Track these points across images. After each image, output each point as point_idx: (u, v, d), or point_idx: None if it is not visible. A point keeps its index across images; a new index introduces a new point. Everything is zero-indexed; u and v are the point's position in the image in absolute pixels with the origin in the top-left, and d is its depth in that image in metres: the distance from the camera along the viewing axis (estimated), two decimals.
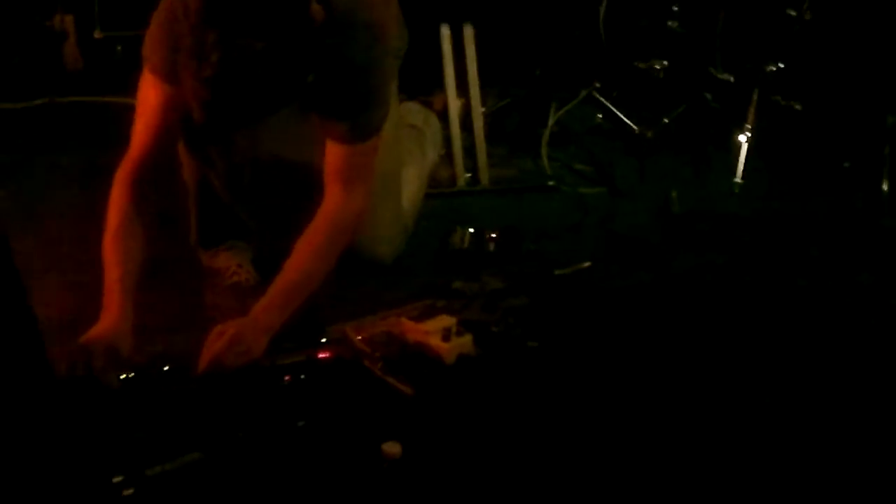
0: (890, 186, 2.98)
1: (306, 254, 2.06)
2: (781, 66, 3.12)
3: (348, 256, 2.16)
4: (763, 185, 3.10)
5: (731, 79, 3.36)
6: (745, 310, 2.43)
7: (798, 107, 3.10)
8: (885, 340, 2.30)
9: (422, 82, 3.12)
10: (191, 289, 2.39)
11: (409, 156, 2.68)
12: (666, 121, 3.35)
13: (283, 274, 2.04)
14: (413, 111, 2.89)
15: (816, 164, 3.16)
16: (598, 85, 3.44)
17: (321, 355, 1.99)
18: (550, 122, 3.35)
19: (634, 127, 3.36)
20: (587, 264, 2.54)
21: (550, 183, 3.13)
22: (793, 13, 3.06)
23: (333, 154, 2.11)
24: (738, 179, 3.08)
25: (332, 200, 2.10)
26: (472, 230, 2.65)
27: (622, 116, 3.39)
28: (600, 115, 3.48)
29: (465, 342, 2.03)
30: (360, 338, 2.05)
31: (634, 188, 3.11)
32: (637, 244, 2.73)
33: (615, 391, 2.05)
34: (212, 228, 2.41)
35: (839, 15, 3.03)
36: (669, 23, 3.49)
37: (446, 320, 2.08)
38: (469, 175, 3.13)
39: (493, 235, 2.63)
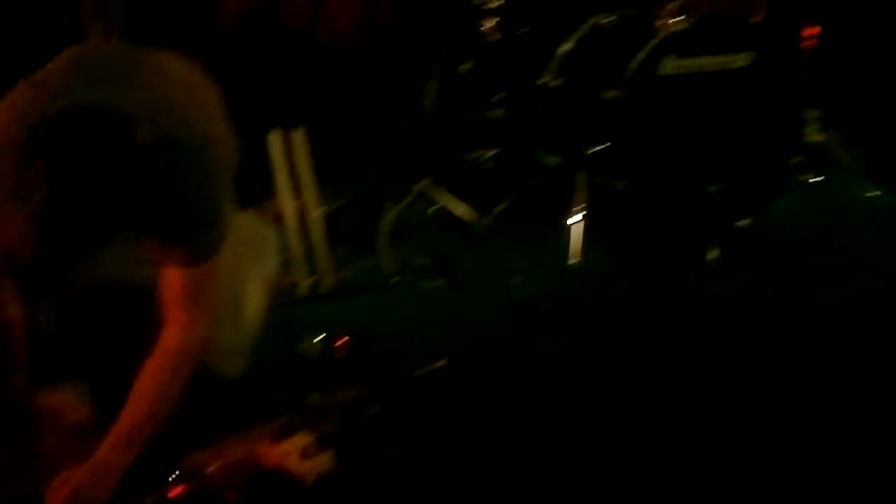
0: (715, 254, 3.12)
1: (149, 387, 1.97)
2: (604, 146, 3.22)
3: (193, 379, 2.07)
4: (599, 263, 3.18)
5: (558, 162, 3.46)
6: (602, 391, 2.47)
7: (622, 185, 3.20)
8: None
9: (255, 189, 3.07)
10: (27, 434, 2.25)
11: (249, 268, 2.62)
12: (500, 208, 3.41)
13: (126, 410, 1.94)
14: (248, 221, 2.83)
15: (646, 237, 3.27)
16: (431, 178, 3.48)
17: (173, 493, 1.90)
18: (388, 218, 3.36)
19: (470, 216, 3.40)
20: (442, 362, 2.53)
21: (393, 280, 3.12)
22: (610, 95, 3.17)
23: (172, 279, 2.03)
24: (574, 260, 3.15)
25: (174, 328, 2.02)
26: (319, 338, 2.60)
27: (457, 207, 3.43)
28: (436, 208, 3.51)
29: (325, 459, 1.98)
30: (213, 468, 1.97)
31: (476, 278, 3.13)
32: (486, 335, 2.74)
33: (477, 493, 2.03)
34: (44, 367, 2.28)
35: (652, 94, 3.16)
36: (492, 112, 3.57)
37: (303, 438, 2.02)
38: (311, 280, 3.09)
39: (343, 341, 2.59)
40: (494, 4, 3.40)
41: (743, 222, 3.33)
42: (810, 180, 3.56)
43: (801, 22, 3.68)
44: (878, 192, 3.61)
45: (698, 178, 3.23)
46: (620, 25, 3.44)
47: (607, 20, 3.45)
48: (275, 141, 3.12)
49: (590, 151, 3.21)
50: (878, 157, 3.94)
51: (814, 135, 3.71)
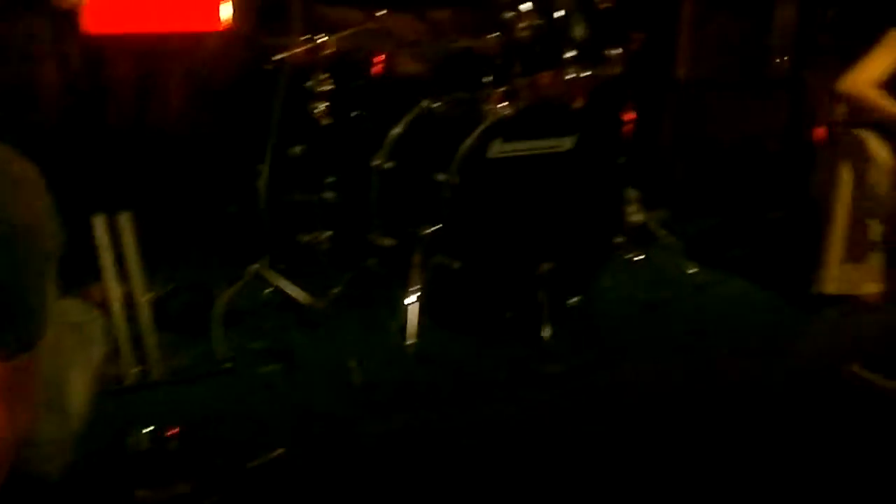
0: (549, 332, 3.19)
1: None
2: (438, 227, 3.25)
3: (9, 480, 1.94)
4: (436, 344, 3.19)
5: (393, 243, 3.47)
6: (437, 473, 2.46)
7: (457, 265, 3.23)
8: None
9: (79, 275, 2.95)
10: None
11: (72, 357, 2.49)
12: (336, 290, 3.38)
13: None
14: (72, 308, 2.70)
15: (482, 317, 3.31)
16: (264, 261, 3.43)
17: None
18: (220, 302, 3.28)
19: (305, 299, 3.37)
20: (280, 451, 2.46)
21: (227, 366, 3.03)
22: (441, 178, 3.22)
23: None
24: (411, 341, 3.15)
25: None
26: (149, 429, 2.49)
27: (292, 290, 3.39)
28: (270, 290, 3.45)
29: None
30: None
31: (313, 362, 3.09)
32: (324, 420, 2.69)
33: None
34: None
35: (483, 177, 3.23)
36: (326, 194, 3.56)
37: None
38: (139, 368, 2.96)
39: (174, 432, 2.49)
40: (325, 88, 3.42)
41: (573, 300, 3.42)
42: (634, 258, 3.70)
43: (620, 107, 3.86)
44: (696, 269, 3.78)
45: (531, 257, 3.31)
46: (449, 110, 3.52)
47: (437, 104, 3.52)
48: (99, 225, 3.01)
49: (424, 232, 3.24)
50: (696, 236, 4.15)
51: (635, 215, 3.87)
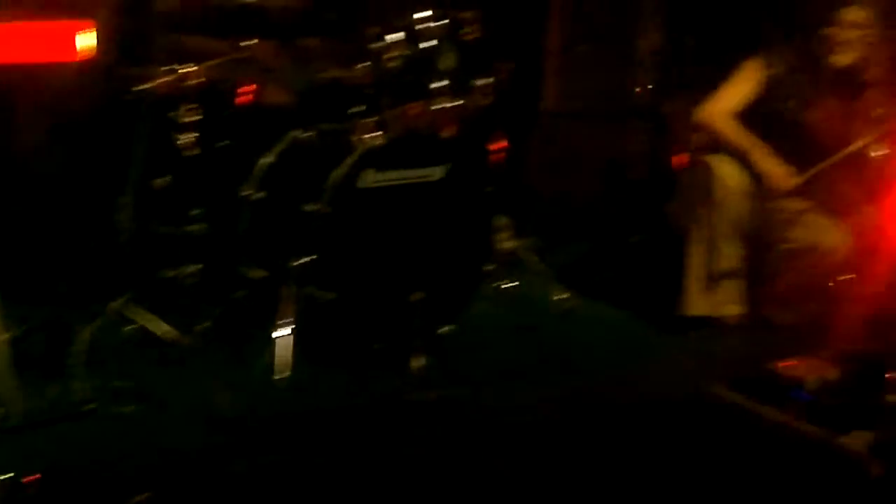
0: (421, 362, 3.18)
1: None
2: (310, 258, 3.22)
3: None
4: (307, 378, 3.14)
5: (263, 275, 3.42)
6: None
7: (330, 297, 3.20)
8: None
9: None
10: None
11: None
12: (203, 326, 3.31)
13: None
14: None
15: (354, 348, 3.28)
16: (127, 297, 3.33)
17: None
18: (80, 340, 3.16)
19: (171, 335, 3.28)
20: (146, 495, 2.37)
21: (88, 407, 2.92)
22: (312, 208, 3.19)
23: None
24: (281, 375, 3.10)
25: None
26: (6, 476, 2.37)
27: (156, 326, 3.30)
28: (133, 328, 3.35)
29: None
30: None
31: (179, 400, 3.00)
32: (191, 459, 2.61)
33: None
34: None
35: (354, 207, 3.21)
36: (192, 227, 3.48)
37: None
38: None
39: (33, 478, 2.38)
40: (191, 119, 3.35)
41: (444, 329, 3.42)
42: (503, 286, 3.73)
43: (490, 137, 3.90)
44: (565, 295, 3.83)
45: (402, 286, 3.30)
46: (319, 140, 3.50)
47: (306, 135, 3.49)
48: None
49: (296, 264, 3.20)
50: (565, 262, 4.22)
51: (506, 242, 3.90)
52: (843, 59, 3.53)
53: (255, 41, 3.58)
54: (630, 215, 4.76)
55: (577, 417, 2.99)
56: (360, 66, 3.56)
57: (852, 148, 3.48)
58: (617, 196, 4.91)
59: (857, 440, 2.62)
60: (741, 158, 3.57)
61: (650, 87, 4.95)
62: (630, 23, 4.95)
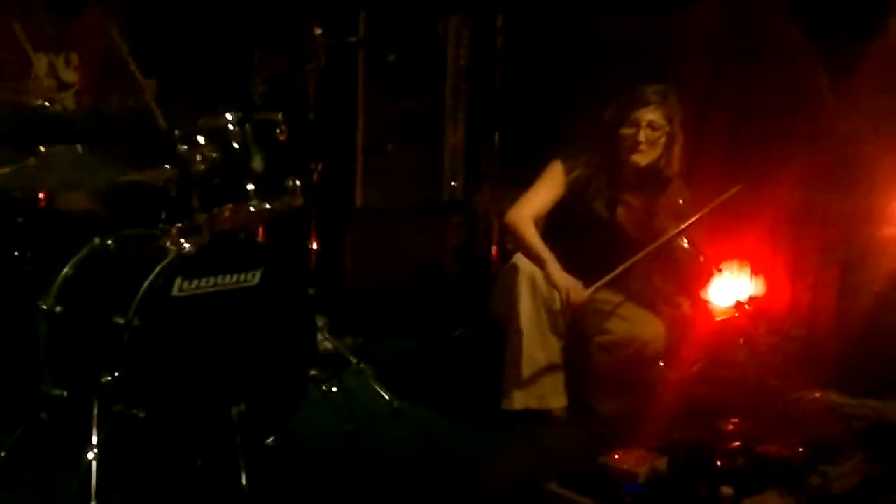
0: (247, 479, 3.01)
1: None
2: (117, 374, 3.01)
3: None
4: None
5: (65, 394, 3.17)
6: None
7: (142, 414, 3.00)
8: None
9: None
10: None
11: None
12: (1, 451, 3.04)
13: None
14: None
15: (173, 468, 3.07)
16: None
17: None
18: None
19: None
20: None
21: None
22: (120, 321, 3.00)
23: None
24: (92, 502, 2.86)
25: None
26: None
27: None
28: None
29: None
30: None
31: None
32: None
33: None
34: None
35: (167, 317, 3.05)
36: None
37: None
38: None
39: None
40: None
41: (270, 440, 3.27)
42: (325, 388, 3.60)
43: (305, 238, 3.82)
44: (390, 396, 3.75)
45: (222, 399, 3.13)
46: (123, 247, 3.32)
47: (109, 242, 3.30)
48: None
49: (103, 380, 2.99)
50: (387, 360, 4.15)
51: (324, 342, 3.81)
52: (642, 158, 3.66)
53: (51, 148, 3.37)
54: (447, 311, 4.77)
55: None
56: (162, 168, 3.43)
57: (658, 243, 3.56)
58: (433, 292, 4.91)
59: None
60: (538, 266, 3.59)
61: (458, 183, 5.04)
62: (436, 120, 5.04)
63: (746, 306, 4.57)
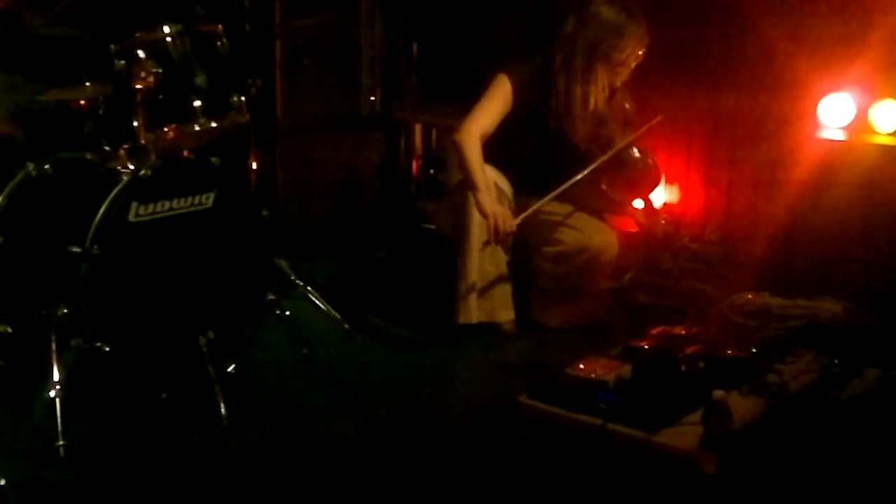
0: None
1: None
2: (74, 306, 2.85)
3: None
4: (89, 441, 2.80)
5: (9, 329, 3.00)
6: None
7: (107, 347, 2.86)
8: None
9: None
10: None
11: None
12: None
13: None
14: None
15: (140, 401, 2.96)
16: None
17: None
18: None
19: None
20: None
21: None
22: (76, 250, 2.83)
23: None
24: (60, 442, 2.73)
25: None
26: None
27: None
28: None
29: None
30: None
31: None
32: None
33: None
34: None
35: (126, 244, 2.89)
36: None
37: None
38: None
39: None
40: None
41: (230, 368, 3.18)
42: (278, 312, 3.51)
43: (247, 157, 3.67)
44: (339, 318, 3.68)
45: (187, 327, 3.02)
46: (62, 172, 3.11)
47: (45, 167, 3.09)
48: None
49: (60, 313, 2.83)
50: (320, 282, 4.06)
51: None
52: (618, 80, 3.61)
53: None
54: (370, 230, 4.70)
55: (391, 446, 2.87)
56: (88, 85, 3.21)
57: (607, 156, 3.55)
58: (355, 210, 4.82)
59: (679, 438, 2.69)
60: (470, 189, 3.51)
61: (376, 97, 4.93)
62: (352, 32, 4.89)
63: (664, 215, 4.62)
